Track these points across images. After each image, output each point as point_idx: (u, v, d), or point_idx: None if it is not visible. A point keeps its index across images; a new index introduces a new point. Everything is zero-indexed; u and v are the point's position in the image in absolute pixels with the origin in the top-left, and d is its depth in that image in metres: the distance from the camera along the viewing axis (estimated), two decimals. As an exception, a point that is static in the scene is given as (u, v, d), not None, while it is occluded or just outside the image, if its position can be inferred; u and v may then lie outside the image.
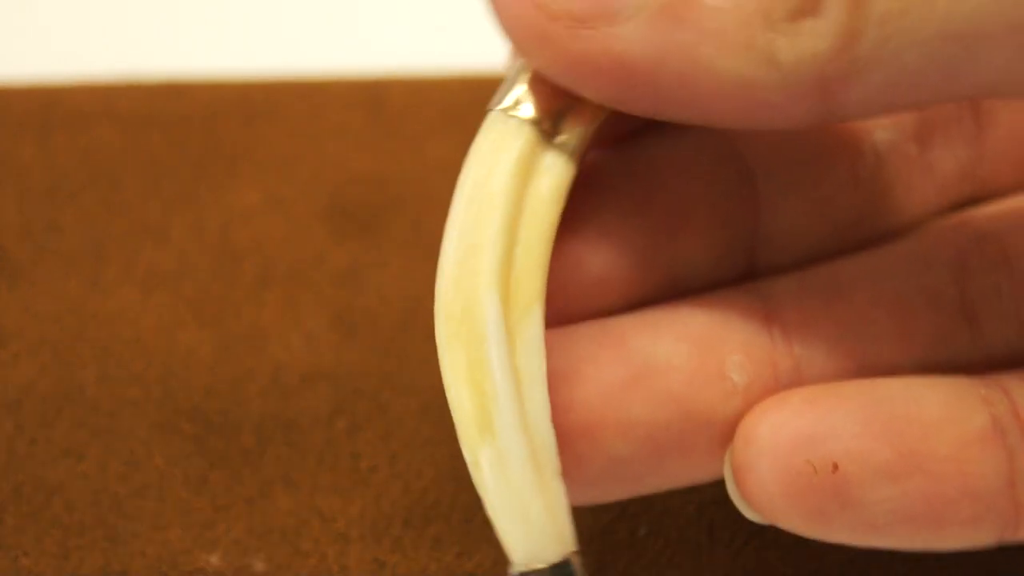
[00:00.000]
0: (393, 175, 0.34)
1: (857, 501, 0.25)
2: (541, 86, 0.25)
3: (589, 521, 0.30)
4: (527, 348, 0.25)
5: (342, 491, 0.30)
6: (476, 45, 0.37)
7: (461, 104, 0.35)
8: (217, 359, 0.32)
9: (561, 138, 0.25)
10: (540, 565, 0.24)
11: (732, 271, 0.27)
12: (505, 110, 0.25)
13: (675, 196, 0.27)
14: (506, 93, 0.25)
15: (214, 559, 0.30)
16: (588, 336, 0.26)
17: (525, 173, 0.25)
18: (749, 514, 0.26)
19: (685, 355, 0.26)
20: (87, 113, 0.35)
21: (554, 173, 0.25)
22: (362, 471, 0.31)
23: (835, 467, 0.25)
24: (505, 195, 0.24)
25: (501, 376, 0.24)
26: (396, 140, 0.35)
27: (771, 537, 0.30)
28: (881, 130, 0.28)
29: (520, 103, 0.25)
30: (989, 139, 0.29)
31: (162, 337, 0.32)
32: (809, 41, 0.23)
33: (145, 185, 0.34)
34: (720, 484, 0.30)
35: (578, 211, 0.26)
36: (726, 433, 0.26)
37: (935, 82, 0.23)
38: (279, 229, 0.34)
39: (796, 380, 0.26)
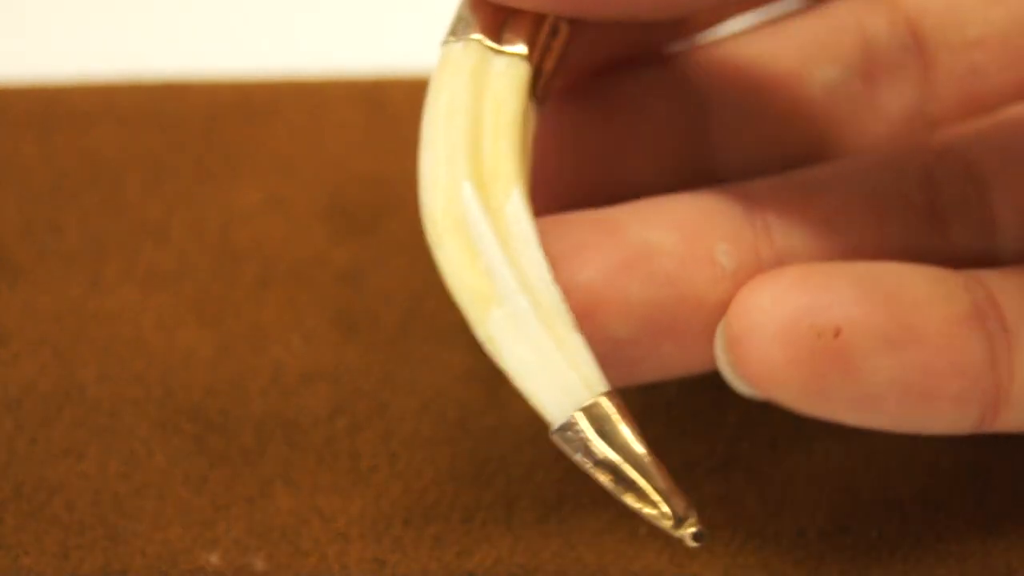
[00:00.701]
0: (393, 175, 0.34)
1: (857, 369, 0.25)
2: (480, 7, 0.26)
3: (588, 520, 0.30)
4: (514, 221, 0.26)
5: (342, 490, 0.30)
6: None
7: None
8: (217, 358, 0.32)
9: (508, 47, 0.26)
10: (573, 414, 0.25)
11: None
12: (454, 38, 0.27)
13: (630, 120, 0.28)
14: (454, 24, 0.27)
15: (214, 558, 0.30)
16: (584, 223, 0.27)
17: (480, 82, 0.26)
18: (743, 388, 0.26)
19: (676, 241, 0.27)
20: (88, 113, 0.35)
21: (508, 74, 0.26)
22: (362, 470, 0.31)
23: (838, 332, 0.25)
24: (464, 102, 0.26)
25: (493, 250, 0.25)
26: (397, 140, 0.35)
27: (771, 537, 0.30)
28: (828, 67, 0.29)
29: (465, 27, 0.27)
30: (936, 80, 0.29)
31: (162, 336, 0.32)
32: None
33: (145, 185, 0.34)
34: (720, 483, 0.30)
35: (544, 134, 0.28)
36: (716, 316, 0.26)
37: None
38: (279, 229, 0.34)
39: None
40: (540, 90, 0.27)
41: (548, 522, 0.30)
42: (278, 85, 0.36)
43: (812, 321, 0.25)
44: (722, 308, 0.26)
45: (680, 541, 0.25)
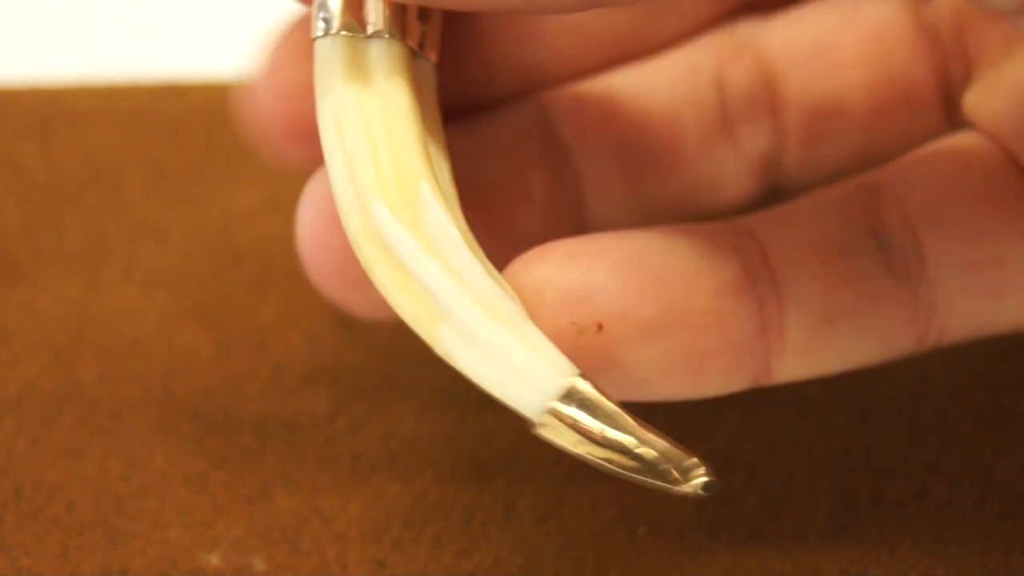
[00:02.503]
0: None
1: (621, 359, 0.25)
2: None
3: (588, 520, 0.30)
4: (435, 224, 0.25)
5: (342, 491, 0.30)
6: None
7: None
8: (217, 359, 0.32)
9: (371, 29, 0.25)
10: (552, 404, 0.24)
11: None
12: (320, 34, 0.25)
13: (502, 165, 0.28)
14: (313, 23, 0.26)
15: (214, 558, 0.30)
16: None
17: (360, 79, 0.25)
18: None
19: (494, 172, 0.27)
20: (88, 114, 0.35)
21: (386, 64, 0.25)
22: (362, 471, 0.31)
23: (599, 327, 0.25)
24: (348, 107, 0.25)
25: (423, 264, 0.24)
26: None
27: (771, 536, 0.30)
28: (692, 111, 0.29)
29: (327, 23, 0.25)
30: (786, 125, 0.29)
31: (162, 337, 0.32)
32: None
33: (146, 185, 0.34)
34: (721, 483, 0.30)
35: None
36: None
37: None
38: (279, 229, 0.34)
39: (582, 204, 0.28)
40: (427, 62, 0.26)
41: (547, 523, 0.30)
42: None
43: (574, 316, 0.25)
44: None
45: (694, 497, 0.25)
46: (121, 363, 0.32)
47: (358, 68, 0.25)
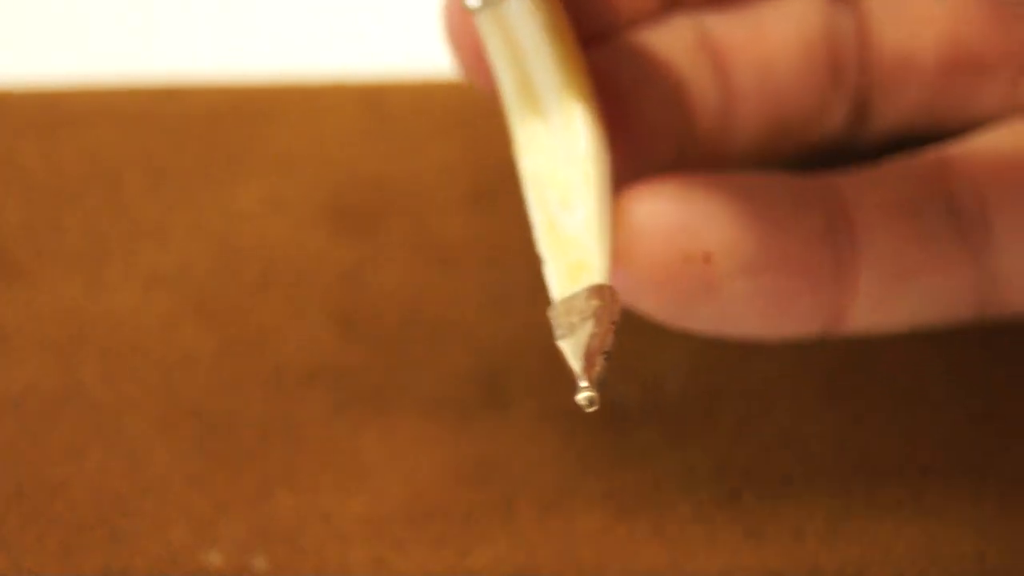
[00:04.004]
0: (394, 176, 0.34)
1: (720, 292, 0.27)
2: None
3: (588, 519, 0.30)
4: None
5: (343, 490, 0.30)
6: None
7: (462, 106, 0.35)
8: (218, 359, 0.32)
9: None
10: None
11: None
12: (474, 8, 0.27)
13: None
14: None
15: (215, 558, 0.30)
16: None
17: (508, 39, 0.27)
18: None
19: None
20: (89, 115, 0.35)
21: (527, 15, 0.27)
22: (363, 470, 0.31)
23: (707, 258, 0.26)
24: (508, 73, 0.27)
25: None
26: (397, 141, 0.35)
27: (770, 537, 0.30)
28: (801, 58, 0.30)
29: None
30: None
31: (163, 337, 0.32)
32: None
33: (146, 186, 0.34)
34: (720, 483, 0.30)
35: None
36: None
37: None
38: (280, 229, 0.34)
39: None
40: None
41: (547, 522, 0.30)
42: (278, 87, 0.36)
43: (684, 245, 0.26)
44: None
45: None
46: (122, 363, 0.32)
47: (507, 30, 0.27)
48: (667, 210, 0.27)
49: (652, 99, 0.29)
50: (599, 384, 0.25)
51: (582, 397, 0.25)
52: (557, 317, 0.26)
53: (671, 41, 0.29)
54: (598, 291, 0.25)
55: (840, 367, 0.31)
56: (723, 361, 0.31)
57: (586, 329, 0.25)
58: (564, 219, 0.26)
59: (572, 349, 0.25)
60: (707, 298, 0.27)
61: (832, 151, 0.31)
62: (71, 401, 0.31)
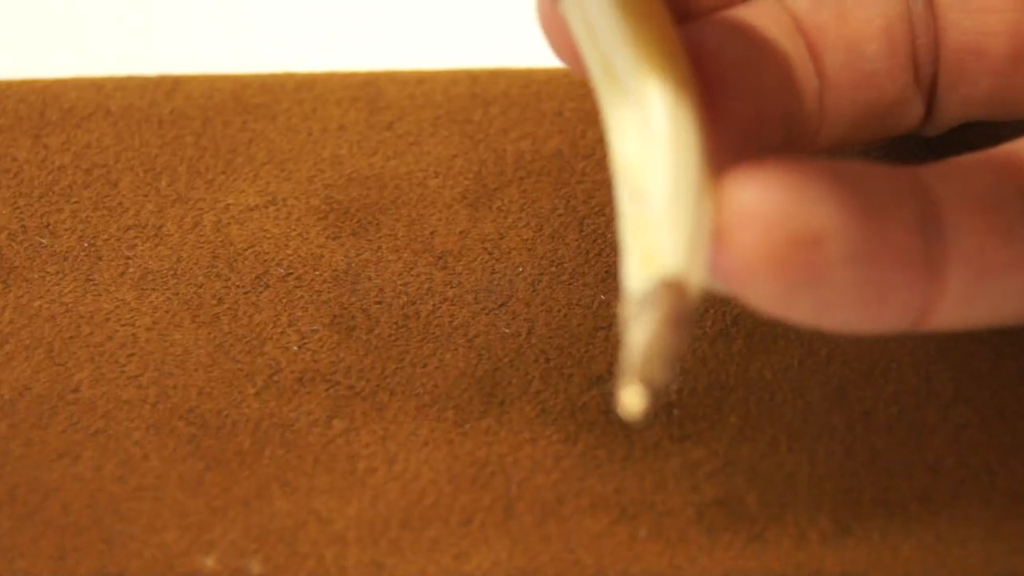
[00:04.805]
0: (391, 173, 0.34)
1: (826, 279, 0.26)
2: None
3: (588, 523, 0.30)
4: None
5: (339, 493, 0.30)
6: (475, 42, 0.37)
7: (459, 102, 0.35)
8: (213, 359, 0.32)
9: None
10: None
11: None
12: None
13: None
14: None
15: (211, 561, 0.30)
16: None
17: (587, 22, 0.27)
18: (714, 283, 0.26)
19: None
20: (82, 111, 0.35)
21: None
22: (360, 472, 0.30)
23: (818, 242, 0.26)
24: (592, 57, 0.27)
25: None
26: (394, 138, 0.35)
27: (772, 540, 0.29)
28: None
29: None
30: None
31: (157, 337, 0.32)
32: None
33: (140, 184, 0.34)
34: (721, 484, 0.30)
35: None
36: None
37: None
38: (275, 228, 0.34)
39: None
40: None
41: (547, 525, 0.30)
42: (274, 83, 0.36)
43: (792, 228, 0.26)
44: None
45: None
46: (116, 364, 0.32)
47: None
48: (777, 194, 0.26)
49: (760, 79, 0.28)
50: (656, 388, 0.25)
51: (627, 398, 0.25)
52: (625, 309, 0.25)
53: (767, 21, 0.29)
54: (669, 286, 0.25)
55: (847, 366, 0.31)
56: (727, 360, 0.31)
57: (650, 325, 0.25)
58: (641, 205, 0.26)
59: (631, 344, 0.25)
60: (812, 285, 0.26)
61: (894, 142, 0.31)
62: (64, 403, 0.31)
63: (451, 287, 0.33)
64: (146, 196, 0.34)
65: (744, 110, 0.28)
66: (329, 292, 0.33)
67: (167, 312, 0.33)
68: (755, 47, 0.29)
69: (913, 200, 0.27)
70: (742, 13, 0.29)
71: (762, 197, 0.26)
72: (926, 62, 0.30)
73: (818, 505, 0.30)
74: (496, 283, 0.33)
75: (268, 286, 0.33)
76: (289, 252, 0.33)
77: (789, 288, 0.26)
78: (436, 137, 0.35)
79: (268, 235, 0.33)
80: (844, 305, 0.26)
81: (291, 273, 0.33)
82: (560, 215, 0.33)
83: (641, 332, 0.25)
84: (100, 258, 0.33)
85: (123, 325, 0.32)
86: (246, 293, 0.33)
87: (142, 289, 0.33)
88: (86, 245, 0.33)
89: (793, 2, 0.30)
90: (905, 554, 0.29)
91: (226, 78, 0.36)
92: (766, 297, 0.26)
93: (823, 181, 0.26)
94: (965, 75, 0.30)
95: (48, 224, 0.34)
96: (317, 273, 0.33)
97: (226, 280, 0.33)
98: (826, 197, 0.26)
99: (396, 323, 0.32)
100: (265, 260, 0.33)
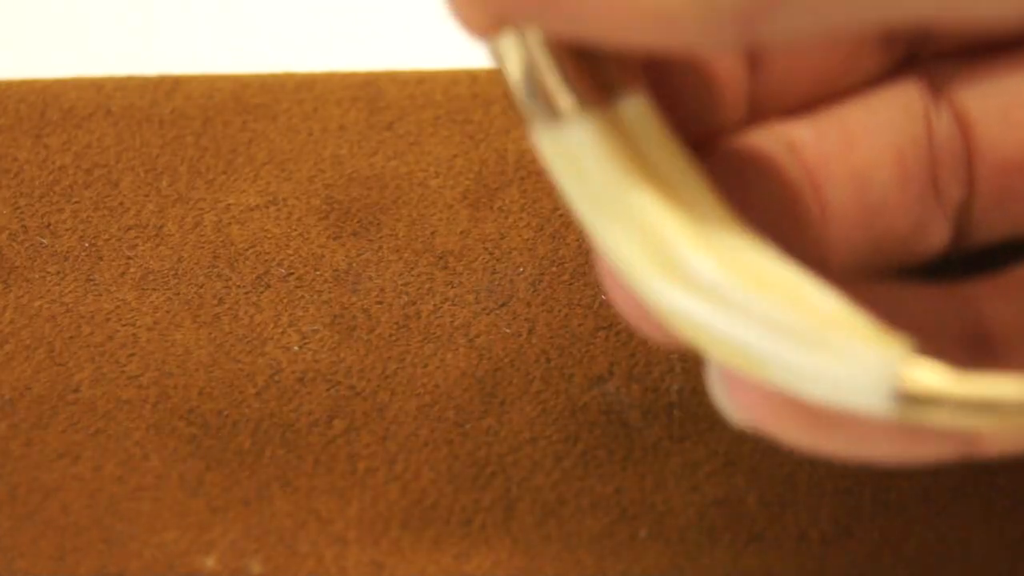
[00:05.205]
0: (391, 173, 0.34)
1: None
2: (566, 60, 0.24)
3: (588, 523, 0.30)
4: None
5: (340, 493, 0.30)
6: (475, 42, 0.37)
7: (460, 101, 0.35)
8: (214, 360, 0.32)
9: (622, 93, 0.24)
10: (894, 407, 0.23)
11: None
12: (550, 122, 0.24)
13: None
14: (528, 103, 0.24)
15: (211, 561, 0.29)
16: None
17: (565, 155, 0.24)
18: (732, 418, 0.26)
19: None
20: (82, 111, 0.35)
21: (590, 142, 0.24)
22: (360, 472, 0.30)
23: None
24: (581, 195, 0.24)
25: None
26: (394, 138, 0.35)
27: (772, 540, 0.29)
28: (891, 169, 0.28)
29: (547, 100, 0.24)
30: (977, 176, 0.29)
31: (158, 338, 0.32)
32: None
33: (141, 184, 0.34)
34: (721, 484, 0.30)
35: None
36: None
37: (862, 6, 0.23)
38: (276, 228, 0.33)
39: None
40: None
41: (547, 525, 0.30)
42: (274, 83, 0.35)
43: None
44: None
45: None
46: (116, 364, 0.32)
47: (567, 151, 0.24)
48: None
49: (755, 211, 0.27)
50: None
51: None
52: None
53: (765, 154, 0.28)
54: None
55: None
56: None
57: None
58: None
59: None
60: (844, 423, 0.25)
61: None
62: (65, 403, 0.31)
63: (452, 287, 0.32)
64: (147, 196, 0.34)
65: None
66: (330, 292, 0.33)
67: (168, 312, 0.33)
68: (750, 180, 0.27)
69: (959, 322, 0.26)
70: (738, 145, 0.28)
71: None
72: (952, 184, 0.28)
73: (818, 506, 0.30)
74: (497, 283, 0.32)
75: (269, 286, 0.33)
76: (290, 252, 0.33)
77: (823, 426, 0.25)
78: (437, 137, 0.34)
79: (269, 235, 0.33)
80: (882, 441, 0.25)
81: (292, 273, 0.33)
82: (561, 215, 0.33)
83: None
84: (101, 258, 0.33)
85: (124, 325, 0.32)
86: (247, 293, 0.33)
87: (143, 289, 0.33)
88: (87, 245, 0.33)
89: (795, 131, 0.28)
90: (905, 555, 0.29)
91: (226, 78, 0.36)
92: (797, 436, 0.25)
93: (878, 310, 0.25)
94: (1012, 192, 0.28)
95: (49, 224, 0.34)
96: (318, 273, 0.33)
97: (227, 280, 0.33)
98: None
99: (397, 323, 0.32)
100: (266, 260, 0.33)
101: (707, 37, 0.23)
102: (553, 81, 0.24)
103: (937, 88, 0.28)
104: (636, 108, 0.24)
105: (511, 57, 0.24)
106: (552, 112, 0.24)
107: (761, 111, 0.28)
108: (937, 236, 0.28)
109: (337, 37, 0.38)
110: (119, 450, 0.31)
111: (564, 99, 0.24)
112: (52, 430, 0.31)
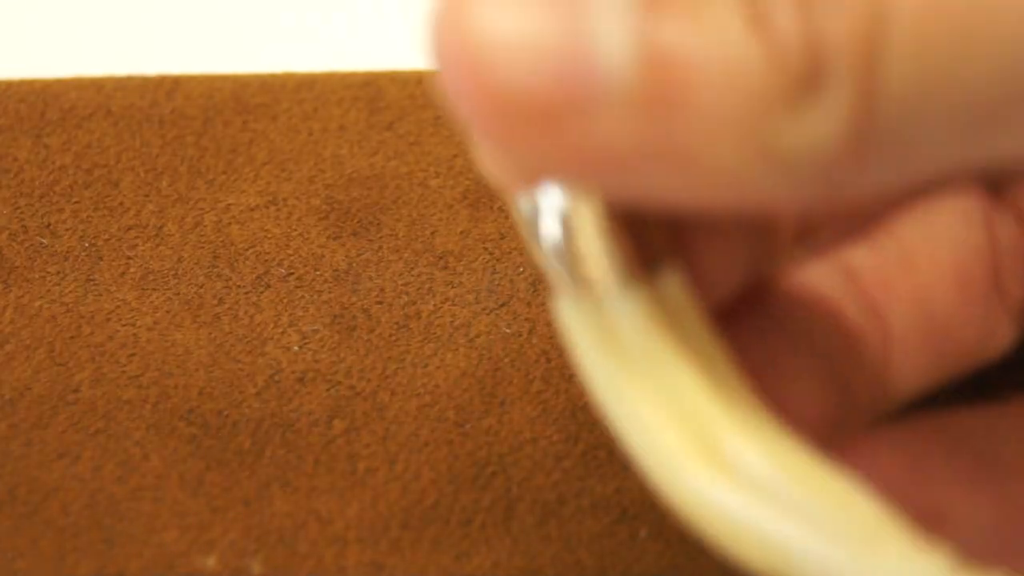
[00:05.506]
0: (391, 173, 0.34)
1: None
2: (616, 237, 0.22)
3: (588, 523, 0.30)
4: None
5: (340, 493, 0.30)
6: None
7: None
8: (214, 360, 0.32)
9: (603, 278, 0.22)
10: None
11: None
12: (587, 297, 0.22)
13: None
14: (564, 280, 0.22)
15: (211, 561, 0.29)
16: None
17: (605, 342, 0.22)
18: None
19: None
20: (82, 111, 0.35)
21: (632, 318, 0.22)
22: (360, 473, 0.30)
23: (939, 519, 0.25)
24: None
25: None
26: (394, 138, 0.35)
27: (773, 540, 0.29)
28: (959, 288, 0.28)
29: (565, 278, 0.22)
30: None
31: (158, 338, 0.32)
32: (813, 126, 0.20)
33: (141, 184, 0.34)
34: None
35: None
36: None
37: (956, 156, 0.21)
38: (276, 228, 0.33)
39: None
40: None
41: (547, 525, 0.30)
42: (274, 83, 0.35)
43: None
44: None
45: None
46: (116, 364, 0.32)
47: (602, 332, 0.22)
48: (895, 461, 0.25)
49: (804, 370, 0.25)
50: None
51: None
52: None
53: (824, 293, 0.26)
54: None
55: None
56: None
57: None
58: None
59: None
60: None
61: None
62: (64, 403, 0.31)
63: (452, 287, 0.32)
64: (147, 196, 0.34)
65: (790, 402, 0.25)
66: (330, 292, 0.33)
67: (168, 312, 0.32)
68: (797, 334, 0.26)
69: (971, 453, 0.26)
70: (786, 286, 0.26)
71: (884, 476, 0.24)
72: (1014, 284, 0.27)
73: (818, 505, 0.30)
74: (497, 283, 0.32)
75: (269, 286, 0.33)
76: (290, 252, 0.33)
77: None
78: (437, 137, 0.34)
79: (269, 235, 0.33)
80: None
81: (292, 273, 0.33)
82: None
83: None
84: (101, 258, 0.33)
85: (124, 325, 0.32)
86: (247, 293, 0.33)
87: (143, 289, 0.33)
88: (87, 245, 0.33)
89: (853, 257, 0.26)
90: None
91: (226, 78, 0.36)
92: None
93: (938, 453, 0.25)
94: None
95: (49, 224, 0.34)
96: (318, 273, 0.33)
97: (227, 280, 0.33)
98: (947, 475, 0.25)
99: (397, 323, 0.32)
100: (266, 260, 0.33)
101: (783, 198, 0.21)
102: (597, 250, 0.22)
103: (996, 189, 0.27)
104: (675, 283, 0.23)
105: (546, 218, 0.21)
106: (586, 281, 0.22)
107: (812, 227, 0.26)
108: (1002, 337, 0.27)
109: (337, 37, 0.38)
110: (119, 450, 0.31)
111: (607, 272, 0.22)
112: (52, 430, 0.31)
